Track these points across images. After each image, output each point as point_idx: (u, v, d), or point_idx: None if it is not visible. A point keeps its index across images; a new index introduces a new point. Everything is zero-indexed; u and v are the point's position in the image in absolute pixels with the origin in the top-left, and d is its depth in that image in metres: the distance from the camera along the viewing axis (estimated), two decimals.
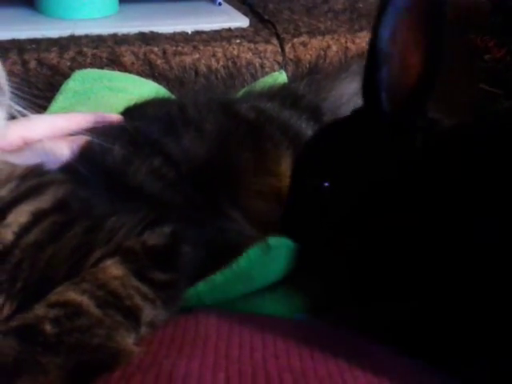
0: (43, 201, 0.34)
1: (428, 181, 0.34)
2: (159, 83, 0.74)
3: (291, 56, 0.86)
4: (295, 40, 0.86)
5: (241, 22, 0.91)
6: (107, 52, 0.78)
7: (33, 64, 0.75)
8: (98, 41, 0.81)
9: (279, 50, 0.85)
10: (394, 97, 0.36)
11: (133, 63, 0.78)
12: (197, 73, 0.81)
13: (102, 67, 0.76)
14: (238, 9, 0.97)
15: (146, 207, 0.37)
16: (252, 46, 0.84)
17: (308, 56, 0.86)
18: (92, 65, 0.76)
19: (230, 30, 0.88)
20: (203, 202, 0.43)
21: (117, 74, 0.73)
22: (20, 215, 0.33)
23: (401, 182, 0.36)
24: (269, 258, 0.37)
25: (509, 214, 0.30)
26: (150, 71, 0.78)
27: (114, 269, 0.31)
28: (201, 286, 0.36)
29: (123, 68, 0.77)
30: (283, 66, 0.84)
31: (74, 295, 0.29)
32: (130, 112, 0.54)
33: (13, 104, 0.38)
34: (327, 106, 0.58)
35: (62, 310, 0.28)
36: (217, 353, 0.29)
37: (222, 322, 0.33)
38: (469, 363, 0.32)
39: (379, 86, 0.36)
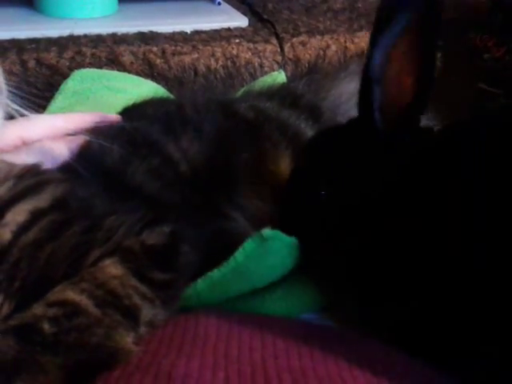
0: (41, 200, 0.34)
1: (421, 186, 0.35)
2: (158, 83, 0.74)
3: (290, 56, 0.86)
4: (294, 40, 0.86)
5: (240, 21, 0.91)
6: (106, 52, 0.78)
7: (32, 64, 0.75)
8: (97, 40, 0.81)
9: (278, 49, 0.85)
10: (387, 116, 0.37)
11: (132, 63, 0.78)
12: (196, 72, 0.81)
13: (101, 67, 0.76)
14: (238, 8, 0.97)
15: (145, 207, 0.37)
16: (251, 45, 0.84)
17: (307, 56, 0.86)
18: (91, 64, 0.76)
19: (229, 29, 0.88)
20: (202, 202, 0.43)
21: (116, 73, 0.72)
22: (18, 214, 0.32)
23: (395, 188, 0.36)
24: (264, 250, 0.37)
25: (505, 213, 0.30)
26: (149, 71, 0.78)
27: (112, 268, 0.31)
28: (199, 284, 0.36)
29: (122, 68, 0.77)
30: (282, 66, 0.84)
31: (72, 294, 0.29)
32: (128, 112, 0.54)
33: (11, 103, 0.37)
34: (326, 106, 0.58)
35: (61, 309, 0.28)
36: (216, 353, 0.29)
37: (221, 321, 0.33)
38: (469, 363, 0.32)
39: (372, 105, 0.37)
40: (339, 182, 0.39)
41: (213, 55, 0.81)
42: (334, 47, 0.88)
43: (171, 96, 0.67)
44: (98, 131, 0.45)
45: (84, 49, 0.77)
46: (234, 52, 0.82)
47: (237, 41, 0.84)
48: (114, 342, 0.28)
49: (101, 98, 0.64)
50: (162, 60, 0.79)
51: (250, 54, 0.83)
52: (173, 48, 0.80)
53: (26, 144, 0.42)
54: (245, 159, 0.48)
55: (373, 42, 0.36)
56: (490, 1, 0.81)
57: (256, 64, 0.84)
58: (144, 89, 0.66)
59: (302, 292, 0.41)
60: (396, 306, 0.35)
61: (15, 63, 0.74)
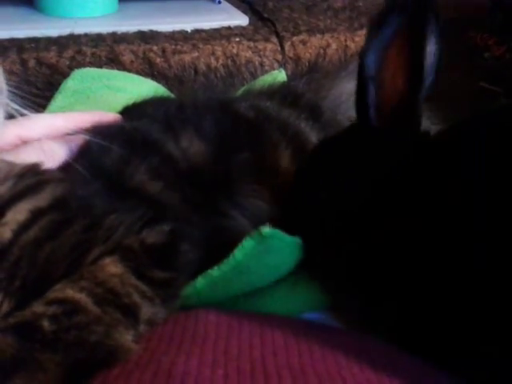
0: (41, 199, 0.34)
1: (420, 186, 0.35)
2: (158, 82, 0.74)
3: (291, 54, 0.86)
4: (295, 38, 0.86)
5: (240, 20, 0.91)
6: (106, 51, 0.78)
7: (32, 63, 0.75)
8: (97, 40, 0.81)
9: (279, 48, 0.85)
10: (382, 115, 0.38)
11: (132, 62, 0.78)
12: (196, 71, 0.81)
13: (101, 66, 0.76)
14: (238, 7, 0.97)
15: (145, 206, 0.37)
16: (251, 44, 0.84)
17: (307, 54, 0.86)
18: (91, 64, 0.76)
19: (229, 28, 0.88)
20: (202, 201, 0.43)
21: (116, 72, 0.72)
22: (18, 213, 0.33)
23: (393, 187, 0.36)
24: (263, 248, 0.37)
25: (505, 213, 0.30)
26: (149, 70, 0.78)
27: (112, 267, 0.31)
28: (199, 282, 0.36)
29: (122, 67, 0.77)
30: (283, 65, 0.84)
31: (72, 293, 0.29)
32: (128, 111, 0.54)
33: (11, 103, 0.38)
34: (327, 105, 0.58)
35: (60, 307, 0.28)
36: (215, 350, 0.29)
37: (221, 319, 0.33)
38: (469, 363, 0.32)
39: (368, 104, 0.38)
40: (340, 183, 0.39)
41: (213, 54, 0.81)
42: (334, 46, 0.88)
43: (171, 95, 0.67)
44: (98, 130, 0.45)
45: (84, 48, 0.77)
46: (235, 51, 0.82)
47: (237, 39, 0.84)
48: (114, 339, 0.29)
49: (101, 97, 0.64)
50: (162, 59, 0.79)
51: (250, 52, 0.83)
52: (173, 47, 0.80)
53: (25, 143, 0.42)
54: (245, 158, 0.48)
55: (367, 44, 0.37)
56: (489, 0, 0.81)
57: (256, 63, 0.84)
58: (144, 88, 0.66)
59: (303, 291, 0.41)
60: (396, 306, 0.35)
61: (15, 62, 0.74)
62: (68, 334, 0.28)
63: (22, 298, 0.30)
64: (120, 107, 0.55)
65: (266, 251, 0.37)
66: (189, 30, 0.86)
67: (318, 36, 0.87)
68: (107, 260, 0.32)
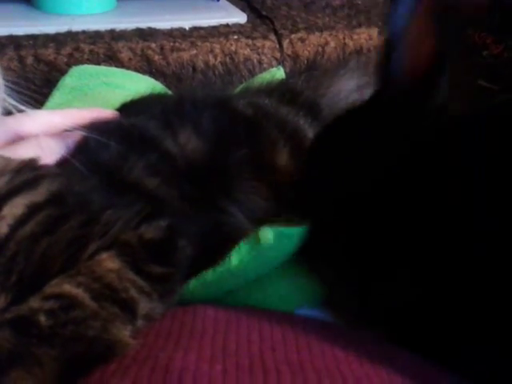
0: (38, 194, 0.34)
1: (433, 167, 0.34)
2: (156, 79, 0.74)
3: (289, 52, 0.85)
4: (293, 36, 0.86)
5: (238, 17, 0.91)
6: (104, 48, 0.78)
7: (30, 60, 0.75)
8: (95, 37, 0.80)
9: (277, 45, 0.85)
10: (405, 81, 0.36)
11: (130, 59, 0.78)
12: (194, 69, 0.81)
13: (99, 63, 0.76)
14: (236, 4, 0.97)
15: (143, 201, 0.37)
16: (250, 41, 0.84)
17: (306, 52, 0.86)
18: (89, 61, 0.76)
19: (227, 25, 0.88)
20: (200, 197, 0.43)
21: (114, 69, 0.72)
22: (15, 208, 0.32)
23: (410, 165, 0.35)
24: (259, 252, 0.37)
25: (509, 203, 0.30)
26: (147, 67, 0.78)
27: (109, 262, 0.31)
28: (193, 283, 0.36)
29: (120, 64, 0.77)
30: (281, 62, 0.84)
31: (69, 288, 0.29)
32: (126, 108, 0.54)
33: (8, 99, 0.37)
34: (325, 103, 0.58)
35: (57, 302, 0.28)
36: (214, 346, 0.29)
37: (219, 315, 0.33)
38: (469, 363, 0.32)
39: (391, 69, 0.36)
40: (360, 154, 0.38)
41: (211, 51, 0.81)
42: (332, 44, 0.88)
43: (169, 92, 0.67)
44: (96, 127, 0.45)
45: (82, 45, 0.77)
46: (233, 48, 0.82)
47: (235, 37, 0.84)
48: (111, 334, 0.28)
49: (99, 94, 0.64)
50: (161, 56, 0.79)
51: (248, 50, 0.83)
52: (171, 44, 0.80)
53: (23, 139, 0.42)
54: (243, 155, 0.48)
55: (392, 7, 0.35)
56: None
57: (255, 60, 0.83)
58: (142, 85, 0.66)
59: (302, 284, 0.40)
60: (396, 304, 0.35)
61: (13, 59, 0.74)
62: (65, 329, 0.27)
63: (18, 293, 0.30)
64: (118, 104, 0.55)
65: (263, 253, 0.37)
66: (187, 28, 0.86)
67: (317, 34, 0.87)
68: (104, 255, 0.32)
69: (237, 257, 0.36)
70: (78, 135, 0.43)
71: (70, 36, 0.80)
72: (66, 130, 0.44)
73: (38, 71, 0.74)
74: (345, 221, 0.37)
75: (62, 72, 0.71)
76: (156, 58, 0.79)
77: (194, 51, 0.80)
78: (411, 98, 0.37)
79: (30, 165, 0.36)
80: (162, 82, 0.73)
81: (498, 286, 0.31)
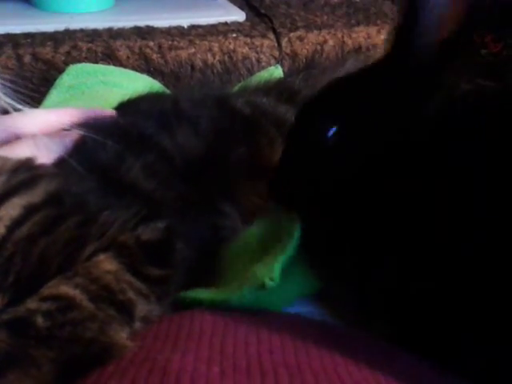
0: (35, 194, 0.33)
1: (439, 147, 0.33)
2: (155, 78, 0.74)
3: (288, 50, 0.85)
4: (292, 34, 0.86)
5: (237, 16, 0.91)
6: (102, 46, 0.77)
7: (27, 58, 0.75)
8: (93, 35, 0.80)
9: (276, 44, 0.85)
10: (429, 45, 0.34)
11: (128, 58, 0.78)
12: (193, 67, 0.80)
13: (97, 62, 0.75)
14: (235, 3, 0.97)
15: (140, 202, 0.37)
16: (248, 40, 0.83)
17: (304, 50, 0.86)
18: (87, 59, 0.76)
19: (226, 24, 0.88)
20: (197, 198, 0.43)
21: (111, 68, 0.72)
22: (12, 209, 0.32)
23: (413, 142, 0.33)
24: (263, 292, 0.35)
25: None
26: (145, 66, 0.78)
27: (107, 263, 0.31)
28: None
29: (118, 62, 0.77)
30: (280, 61, 0.84)
31: (66, 289, 0.29)
32: (123, 107, 0.54)
33: (5, 98, 0.37)
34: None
35: (55, 303, 0.28)
36: (211, 348, 0.29)
37: (217, 317, 0.33)
38: (469, 362, 0.32)
39: (416, 32, 0.34)
40: (356, 122, 0.35)
41: (210, 50, 0.81)
42: (331, 42, 0.87)
43: (167, 91, 0.66)
44: (93, 126, 0.45)
45: (80, 43, 0.77)
46: (231, 47, 0.82)
47: (234, 35, 0.84)
48: (108, 336, 0.28)
49: (96, 92, 0.64)
50: (159, 55, 0.79)
51: (247, 48, 0.83)
52: (169, 43, 0.80)
53: (20, 139, 0.42)
54: (241, 154, 0.48)
55: None
56: None
57: (253, 59, 0.83)
58: (140, 84, 0.66)
59: (298, 276, 0.40)
60: (396, 302, 0.35)
61: (11, 58, 0.74)
62: (62, 331, 0.27)
63: (15, 294, 0.30)
64: (115, 103, 0.55)
65: (265, 293, 0.35)
66: (185, 26, 0.86)
67: (315, 32, 0.87)
68: (102, 256, 0.32)
69: (237, 299, 0.35)
70: (76, 134, 0.43)
71: (68, 34, 0.80)
72: (64, 129, 0.44)
73: (35, 70, 0.74)
74: (340, 212, 0.36)
75: (60, 70, 0.71)
76: (154, 56, 0.79)
77: (193, 50, 0.80)
78: (427, 71, 0.34)
79: (27, 164, 0.36)
80: (160, 81, 0.73)
81: (498, 286, 0.30)
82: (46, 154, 0.40)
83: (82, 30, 0.81)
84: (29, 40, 0.77)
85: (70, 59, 0.75)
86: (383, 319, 0.35)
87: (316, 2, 1.01)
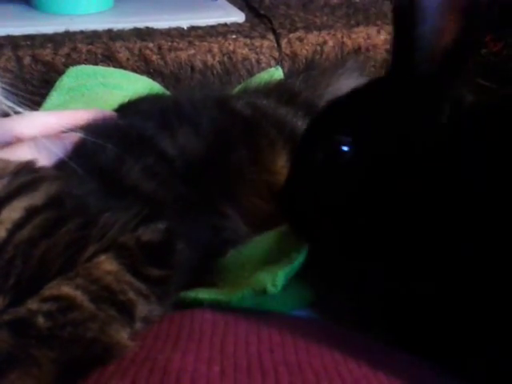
0: (36, 197, 0.34)
1: (447, 157, 0.33)
2: (155, 79, 0.74)
3: (287, 51, 0.85)
4: (291, 35, 0.86)
5: (237, 17, 0.91)
6: (102, 48, 0.77)
7: (27, 60, 0.75)
8: (92, 37, 0.80)
9: (275, 45, 0.85)
10: (431, 56, 0.34)
11: (128, 59, 0.78)
12: (192, 69, 0.81)
13: (96, 63, 0.75)
14: (234, 4, 0.97)
15: (140, 204, 0.37)
16: (248, 41, 0.83)
17: (304, 51, 0.86)
18: (87, 61, 0.76)
19: (225, 25, 0.88)
20: (198, 199, 0.43)
21: (111, 70, 0.72)
22: (13, 212, 0.32)
23: (422, 153, 0.33)
24: (264, 297, 0.35)
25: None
26: (145, 67, 0.78)
27: (107, 264, 0.31)
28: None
29: (118, 64, 0.77)
30: (279, 62, 0.84)
31: (67, 290, 0.29)
32: (123, 109, 0.54)
33: (5, 100, 0.37)
34: (324, 103, 0.58)
35: (56, 304, 0.28)
36: (212, 347, 0.29)
37: (217, 317, 0.33)
38: (468, 363, 0.32)
39: (415, 44, 0.34)
40: (368, 135, 0.35)
41: (209, 51, 0.81)
42: (331, 43, 0.87)
43: (167, 92, 0.67)
44: (93, 128, 0.45)
45: (80, 45, 0.77)
46: (231, 48, 0.82)
47: (233, 36, 0.84)
48: (109, 336, 0.28)
49: (96, 94, 0.64)
50: (159, 56, 0.79)
51: (246, 49, 0.83)
52: (169, 44, 0.80)
53: (20, 141, 0.42)
54: (241, 156, 0.48)
55: None
56: None
57: (253, 60, 0.83)
58: (139, 85, 0.66)
59: (300, 287, 0.40)
60: (395, 304, 0.35)
61: (10, 60, 0.74)
62: (63, 331, 0.28)
63: (16, 295, 0.30)
64: (115, 105, 0.55)
65: (266, 298, 0.35)
66: (185, 27, 0.86)
67: (315, 33, 0.87)
68: (102, 257, 0.32)
69: (238, 298, 0.35)
70: (76, 137, 0.43)
71: (68, 36, 0.80)
72: (63, 132, 0.44)
73: (35, 72, 0.74)
74: (340, 218, 0.36)
75: (60, 72, 0.71)
76: (154, 57, 0.79)
77: (192, 51, 0.80)
78: (431, 84, 0.34)
79: (28, 167, 0.36)
80: (159, 82, 0.73)
81: (498, 286, 0.30)
82: (46, 157, 0.40)
83: (81, 32, 0.81)
84: (28, 42, 0.77)
85: (70, 61, 0.75)
86: (382, 325, 0.35)
87: (315, 3, 1.01)
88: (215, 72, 0.82)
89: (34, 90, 0.71)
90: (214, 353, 0.29)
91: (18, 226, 0.32)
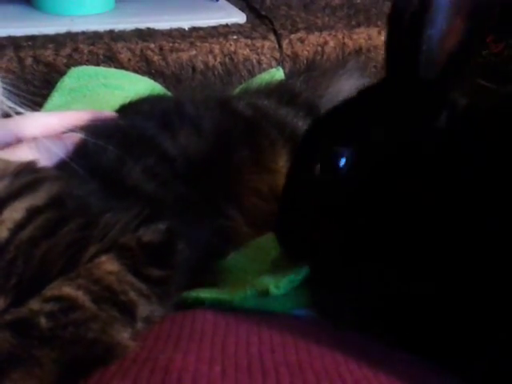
0: (37, 197, 0.34)
1: (446, 161, 0.33)
2: (156, 80, 0.74)
3: (288, 52, 0.86)
4: (292, 36, 0.86)
5: (238, 17, 0.91)
6: (104, 49, 0.78)
7: (29, 61, 0.75)
8: (94, 37, 0.80)
9: (276, 46, 0.85)
10: (436, 59, 0.34)
11: (129, 60, 0.78)
12: (194, 69, 0.81)
13: (98, 64, 0.76)
14: (235, 5, 0.97)
15: (141, 204, 0.37)
16: (249, 42, 0.84)
17: (305, 52, 0.86)
18: (88, 62, 0.76)
19: (227, 26, 0.88)
20: (199, 200, 0.43)
21: (112, 70, 0.72)
22: (14, 212, 0.33)
23: (420, 159, 0.33)
24: (266, 298, 0.35)
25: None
26: (146, 68, 0.78)
27: (108, 264, 0.31)
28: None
29: (120, 65, 0.77)
30: (280, 62, 0.84)
31: (69, 290, 0.29)
32: (125, 109, 0.54)
33: (6, 101, 0.37)
34: (324, 103, 0.58)
35: (57, 304, 0.28)
36: (213, 347, 0.29)
37: (218, 318, 0.33)
38: (469, 363, 0.32)
39: (420, 47, 0.34)
40: (366, 143, 0.35)
41: (211, 52, 0.81)
42: (332, 43, 0.88)
43: (168, 93, 0.67)
44: (94, 129, 0.45)
45: (81, 46, 0.77)
46: (232, 49, 0.82)
47: (235, 37, 0.84)
48: (111, 337, 0.29)
49: (97, 95, 0.64)
50: (160, 57, 0.79)
51: (247, 50, 0.83)
52: (170, 45, 0.80)
53: (21, 142, 0.42)
54: (243, 157, 0.48)
55: None
56: None
57: (254, 61, 0.84)
58: (141, 86, 0.66)
59: (302, 288, 0.40)
60: (395, 305, 0.35)
61: (12, 60, 0.74)
62: (65, 331, 0.28)
63: (17, 295, 0.30)
64: (117, 105, 0.55)
65: (268, 299, 0.35)
66: (186, 28, 0.86)
67: (316, 34, 0.87)
68: (104, 258, 0.32)
69: (240, 301, 0.35)
70: (77, 137, 0.43)
71: (69, 37, 0.80)
72: (64, 132, 0.44)
73: (37, 72, 0.75)
74: (347, 227, 0.36)
75: (61, 73, 0.71)
76: (155, 58, 0.79)
77: (194, 52, 0.81)
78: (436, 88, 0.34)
79: (29, 167, 0.36)
80: (161, 83, 0.73)
81: (498, 286, 0.31)
82: (47, 157, 0.40)
83: (83, 33, 0.82)
84: (30, 42, 0.77)
85: (72, 62, 0.75)
86: (382, 325, 0.35)
87: (317, 4, 1.01)
88: (216, 73, 0.82)
89: (36, 91, 0.71)
90: (215, 353, 0.29)
91: (20, 226, 0.32)
